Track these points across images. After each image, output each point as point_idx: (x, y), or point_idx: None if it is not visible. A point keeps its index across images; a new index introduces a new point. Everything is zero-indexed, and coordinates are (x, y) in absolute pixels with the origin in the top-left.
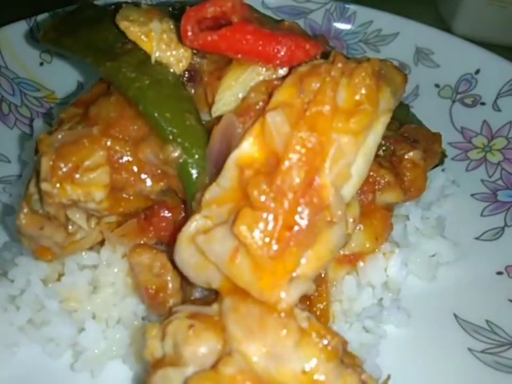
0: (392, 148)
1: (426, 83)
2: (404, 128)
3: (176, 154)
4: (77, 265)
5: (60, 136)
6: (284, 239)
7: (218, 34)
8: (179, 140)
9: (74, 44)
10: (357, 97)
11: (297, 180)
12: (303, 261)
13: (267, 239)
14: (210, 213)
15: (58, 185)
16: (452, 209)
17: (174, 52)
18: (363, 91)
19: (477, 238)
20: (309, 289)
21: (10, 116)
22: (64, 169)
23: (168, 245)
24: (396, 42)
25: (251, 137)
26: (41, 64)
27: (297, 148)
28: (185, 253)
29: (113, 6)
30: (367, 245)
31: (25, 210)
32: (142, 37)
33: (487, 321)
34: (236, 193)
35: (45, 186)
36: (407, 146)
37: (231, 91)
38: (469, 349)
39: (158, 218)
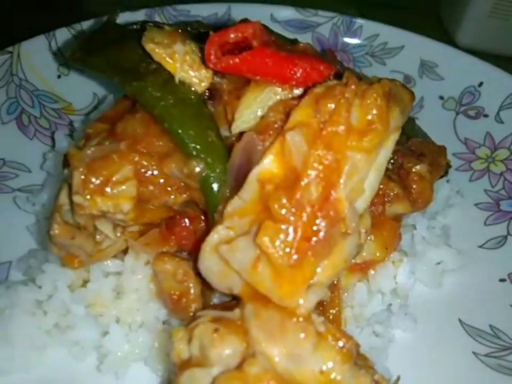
0: (400, 162)
1: (430, 95)
2: (411, 142)
3: (199, 169)
4: (102, 272)
5: (89, 152)
6: (302, 250)
7: (239, 58)
8: (202, 155)
9: (100, 63)
10: (369, 117)
11: (315, 195)
12: (319, 269)
13: (287, 249)
14: (232, 224)
15: (89, 197)
16: (456, 218)
17: (196, 73)
18: (374, 111)
19: (480, 246)
20: (325, 295)
21: (30, 127)
22: (95, 183)
23: (189, 253)
24: (401, 55)
25: (271, 154)
26: (59, 76)
27: (315, 165)
28: (209, 261)
29: (135, 26)
30: (377, 254)
31: (58, 220)
32: (167, 58)
33: (490, 326)
34: (257, 206)
35: (77, 198)
36: (414, 160)
37: (250, 109)
38: (474, 353)
39: (180, 228)
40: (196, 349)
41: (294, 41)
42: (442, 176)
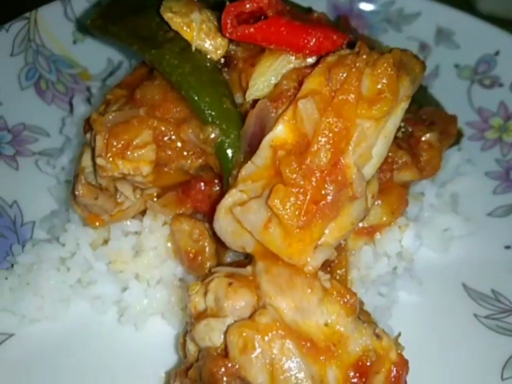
0: (410, 130)
1: (446, 63)
2: (422, 111)
3: (214, 135)
4: (121, 231)
5: (111, 117)
6: (311, 212)
7: (255, 27)
8: (217, 122)
9: (120, 31)
10: (379, 86)
11: (324, 161)
12: (326, 231)
13: (297, 212)
14: (245, 188)
15: (111, 160)
16: (465, 186)
17: (212, 41)
18: (384, 80)
19: (488, 214)
20: (331, 255)
21: (48, 93)
22: (117, 147)
23: (204, 215)
24: (417, 22)
25: (284, 121)
26: (75, 42)
27: (325, 132)
28: (223, 221)
29: None
30: (384, 219)
31: (82, 181)
32: (184, 27)
33: (492, 290)
34: (269, 170)
35: (100, 161)
36: (424, 129)
37: (264, 77)
38: (474, 315)
39: (195, 191)
40: (211, 301)
41: (309, 10)
42: (453, 145)
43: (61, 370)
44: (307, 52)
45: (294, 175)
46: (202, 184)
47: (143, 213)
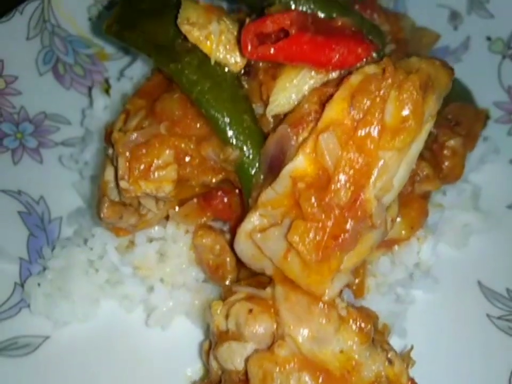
0: (435, 133)
1: (477, 35)
2: (448, 108)
3: (234, 155)
4: (146, 237)
5: (133, 137)
6: (330, 247)
7: (276, 48)
8: (237, 142)
9: (137, 39)
10: (404, 113)
11: (344, 200)
12: (345, 258)
13: (316, 247)
14: (265, 213)
15: (134, 183)
16: (488, 176)
17: (231, 53)
18: (410, 106)
19: (509, 207)
20: (349, 281)
21: (66, 77)
22: (139, 169)
23: (224, 222)
24: None
25: (304, 153)
26: (90, 19)
27: (346, 169)
28: (243, 245)
29: None
30: (403, 233)
31: (106, 204)
32: (202, 40)
33: (507, 289)
34: (289, 199)
35: (123, 184)
36: (449, 133)
37: (285, 93)
38: (487, 315)
39: (216, 201)
40: (232, 325)
41: (333, 19)
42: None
43: (93, 369)
44: (330, 67)
45: (314, 210)
46: (222, 193)
47: (167, 217)
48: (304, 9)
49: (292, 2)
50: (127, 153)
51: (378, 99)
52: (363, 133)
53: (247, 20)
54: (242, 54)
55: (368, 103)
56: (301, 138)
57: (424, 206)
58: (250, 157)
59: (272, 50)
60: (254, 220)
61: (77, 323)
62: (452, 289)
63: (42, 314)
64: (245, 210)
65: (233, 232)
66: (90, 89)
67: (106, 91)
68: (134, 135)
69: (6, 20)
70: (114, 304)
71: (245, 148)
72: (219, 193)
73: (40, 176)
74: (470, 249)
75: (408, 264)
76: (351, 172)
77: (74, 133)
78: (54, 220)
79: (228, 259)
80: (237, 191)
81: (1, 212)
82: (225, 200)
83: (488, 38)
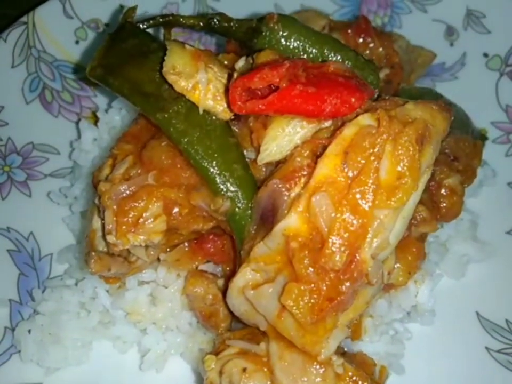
0: (431, 171)
1: (474, 51)
2: (446, 142)
3: (226, 206)
4: (137, 281)
5: (120, 189)
6: (325, 309)
7: (265, 103)
8: (228, 193)
9: (121, 86)
10: (399, 169)
11: (339, 265)
12: (340, 315)
13: (310, 310)
14: (258, 267)
15: (121, 237)
16: (486, 200)
17: (220, 103)
18: (406, 163)
19: (508, 233)
20: (346, 335)
21: (53, 104)
22: (127, 224)
23: (217, 264)
24: (445, 2)
25: (297, 212)
26: (77, 42)
27: (341, 231)
28: (236, 300)
29: (154, 21)
30: (400, 279)
31: (94, 258)
32: (190, 90)
33: (506, 320)
34: (282, 256)
35: (110, 238)
36: (446, 171)
37: (276, 142)
38: (486, 348)
39: (208, 245)
40: (226, 382)
41: (325, 63)
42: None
43: None
44: (322, 117)
45: (307, 272)
46: (214, 236)
47: (158, 259)
48: (296, 44)
49: (282, 40)
50: (114, 206)
51: (372, 157)
52: (357, 193)
53: (235, 74)
54: (230, 109)
55: (363, 160)
56: (293, 194)
57: (422, 249)
58: (242, 207)
59: (261, 106)
60: (246, 274)
61: (70, 367)
62: (450, 321)
63: (33, 362)
64: (237, 255)
65: (226, 278)
66: (78, 119)
67: (95, 123)
68: (121, 187)
69: None
70: (108, 345)
71: (236, 199)
72: (210, 236)
73: (29, 210)
74: (468, 278)
75: (406, 306)
76: (346, 235)
77: (63, 163)
78: (44, 257)
79: (221, 308)
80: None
81: None
82: (218, 243)
83: (485, 55)
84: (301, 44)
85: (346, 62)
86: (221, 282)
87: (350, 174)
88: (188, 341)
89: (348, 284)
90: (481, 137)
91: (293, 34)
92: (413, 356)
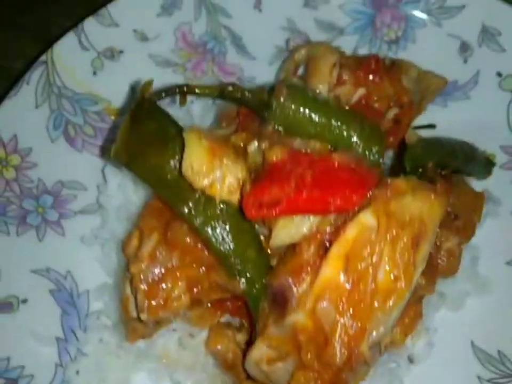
0: None
1: (488, 69)
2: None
3: (241, 288)
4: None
5: (149, 272)
6: None
7: (277, 212)
8: (243, 278)
9: (145, 174)
10: (395, 273)
11: (339, 362)
12: None
13: None
14: (271, 343)
15: (152, 314)
16: (488, 230)
17: (235, 194)
18: (401, 267)
19: (508, 263)
20: None
21: (77, 139)
22: (157, 303)
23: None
24: (461, 16)
25: (304, 310)
26: (95, 73)
27: (342, 335)
28: (252, 370)
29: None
30: (397, 339)
31: (130, 331)
32: (207, 187)
33: (498, 351)
34: (292, 343)
35: (143, 316)
36: (446, 234)
37: (285, 231)
38: (478, 377)
39: (227, 303)
40: None
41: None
42: (483, 178)
43: None
44: (326, 214)
45: (313, 363)
46: (233, 298)
47: None
48: (303, 116)
49: (290, 113)
50: (145, 288)
51: (371, 267)
52: (356, 297)
53: (247, 186)
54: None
55: (363, 266)
56: (300, 290)
57: (419, 310)
58: (256, 289)
59: (273, 213)
60: (261, 349)
61: None
62: (445, 350)
63: None
64: (252, 321)
65: (243, 333)
66: (102, 152)
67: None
68: (150, 271)
69: (14, 93)
70: (144, 376)
71: (250, 282)
72: (229, 298)
73: (64, 249)
74: (465, 308)
75: (401, 358)
76: (346, 338)
77: (91, 199)
78: (82, 293)
79: (240, 363)
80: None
81: (33, 293)
82: (236, 302)
83: (499, 74)
84: (309, 116)
85: (352, 133)
86: (239, 337)
87: (350, 279)
88: (215, 379)
89: (349, 373)
90: (488, 164)
91: (301, 108)
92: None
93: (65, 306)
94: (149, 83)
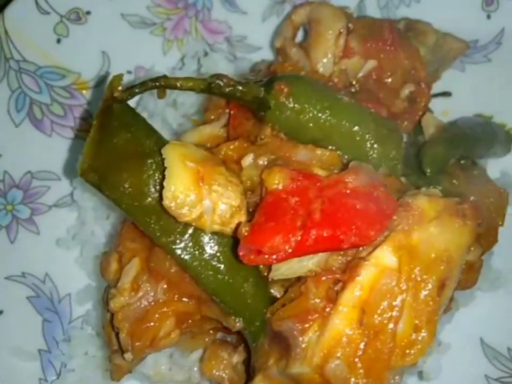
0: None
1: None
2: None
3: (238, 327)
4: None
5: (132, 310)
6: None
7: (280, 258)
8: (240, 317)
9: (119, 199)
10: (417, 322)
11: None
12: None
13: None
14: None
15: (138, 353)
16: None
17: (228, 224)
18: (424, 317)
19: None
20: None
21: (45, 121)
22: (142, 346)
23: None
24: None
25: (311, 366)
26: (58, 41)
27: None
28: None
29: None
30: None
31: (115, 369)
32: (194, 219)
33: (508, 349)
34: None
35: (127, 357)
36: None
37: (288, 265)
38: (486, 376)
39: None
40: None
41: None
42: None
43: None
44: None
45: None
46: None
47: None
48: (309, 118)
49: (293, 115)
50: (127, 325)
51: (391, 322)
52: (373, 355)
53: (242, 230)
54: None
55: (380, 319)
56: (306, 339)
57: None
58: (255, 327)
59: (273, 260)
60: None
61: None
62: (454, 345)
63: None
64: (250, 352)
65: (240, 354)
66: (75, 135)
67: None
68: (132, 306)
69: None
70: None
71: (248, 321)
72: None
73: (40, 250)
74: (475, 304)
75: (412, 373)
76: None
77: (65, 190)
78: (63, 298)
79: None
80: None
81: (9, 303)
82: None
83: None
84: (315, 116)
85: (367, 136)
86: (236, 358)
87: (366, 333)
88: None
89: None
90: (508, 139)
91: (306, 108)
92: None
93: (46, 313)
94: (119, 78)
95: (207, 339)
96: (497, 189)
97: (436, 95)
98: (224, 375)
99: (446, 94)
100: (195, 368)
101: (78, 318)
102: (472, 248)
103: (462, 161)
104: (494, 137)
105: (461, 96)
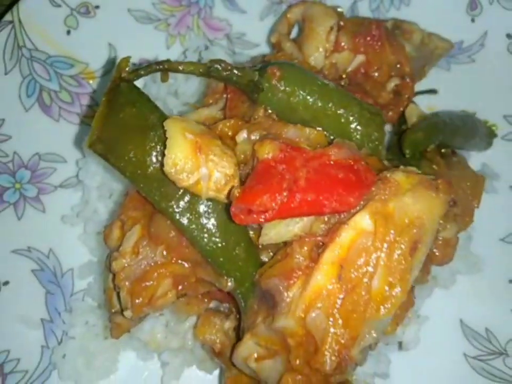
0: None
1: (497, 30)
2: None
3: (230, 287)
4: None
5: (132, 270)
6: None
7: (267, 218)
8: (231, 277)
9: (124, 168)
10: (390, 279)
11: (329, 370)
12: None
13: None
14: (259, 342)
15: (137, 311)
16: (485, 206)
17: (222, 191)
18: (397, 275)
19: (502, 240)
20: None
21: (53, 107)
22: (141, 302)
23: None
24: None
25: (294, 318)
26: (68, 32)
27: (332, 344)
28: (241, 365)
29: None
30: (388, 329)
31: (114, 327)
32: (191, 186)
33: (486, 329)
34: (280, 344)
35: (127, 314)
36: (443, 223)
37: (275, 230)
38: (464, 354)
39: (214, 292)
40: None
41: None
42: (483, 150)
43: None
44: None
45: (301, 367)
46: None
47: None
48: (298, 100)
49: (284, 97)
50: (128, 285)
51: (366, 276)
52: (349, 306)
53: (235, 192)
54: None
55: (357, 274)
56: (291, 294)
57: (411, 299)
58: (245, 288)
59: (262, 220)
60: (249, 346)
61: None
62: (433, 327)
63: (71, 379)
64: (241, 316)
65: (232, 319)
66: (80, 120)
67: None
68: (133, 267)
69: None
70: (132, 354)
71: (239, 281)
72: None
73: (45, 227)
74: (456, 286)
75: (392, 343)
76: (337, 347)
77: (71, 171)
78: (65, 272)
79: (228, 352)
80: None
81: (15, 275)
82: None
83: (509, 36)
84: (304, 100)
85: (351, 118)
86: (228, 324)
87: (344, 287)
88: (204, 362)
89: (337, 376)
90: (490, 135)
91: (296, 91)
92: (397, 361)
93: (49, 286)
94: (126, 60)
95: (201, 306)
96: (474, 174)
97: (422, 92)
98: (216, 338)
99: (432, 91)
100: (189, 335)
101: (79, 291)
102: (448, 226)
103: (443, 150)
104: (474, 129)
105: (446, 93)
